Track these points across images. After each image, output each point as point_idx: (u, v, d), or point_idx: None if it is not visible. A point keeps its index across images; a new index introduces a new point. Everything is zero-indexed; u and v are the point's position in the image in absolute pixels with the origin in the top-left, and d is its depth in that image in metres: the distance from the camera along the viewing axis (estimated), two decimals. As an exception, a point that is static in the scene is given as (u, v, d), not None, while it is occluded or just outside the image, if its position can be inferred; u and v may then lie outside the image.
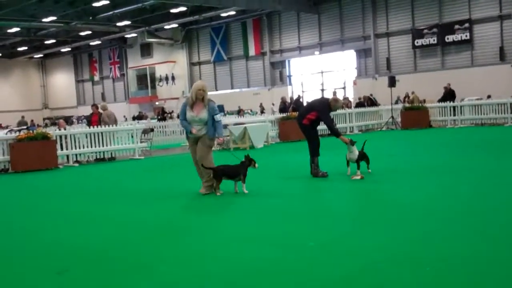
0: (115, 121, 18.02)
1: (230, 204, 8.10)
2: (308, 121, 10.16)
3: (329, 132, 10.69)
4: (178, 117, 34.59)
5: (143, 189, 10.17)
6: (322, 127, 10.89)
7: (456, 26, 33.14)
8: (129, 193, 9.75)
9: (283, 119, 20.96)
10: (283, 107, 26.08)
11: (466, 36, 32.87)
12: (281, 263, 4.92)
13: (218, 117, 8.63)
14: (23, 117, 40.24)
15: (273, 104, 35.67)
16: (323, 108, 10.14)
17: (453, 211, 6.67)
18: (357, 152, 9.76)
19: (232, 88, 45.17)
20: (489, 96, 27.05)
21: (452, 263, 4.62)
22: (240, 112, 34.15)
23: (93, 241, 6.20)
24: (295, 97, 30.42)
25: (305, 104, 21.91)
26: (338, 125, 21.93)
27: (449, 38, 33.53)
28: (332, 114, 10.40)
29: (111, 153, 17.20)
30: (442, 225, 5.97)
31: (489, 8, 32.14)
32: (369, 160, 10.12)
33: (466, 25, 32.77)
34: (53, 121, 39.75)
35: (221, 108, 33.60)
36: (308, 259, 4.99)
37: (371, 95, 31.60)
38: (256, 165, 8.74)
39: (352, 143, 9.75)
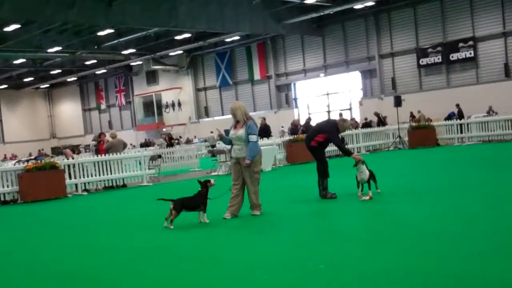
0: (123, 147, 18.04)
1: (237, 229, 8.03)
2: (316, 143, 10.16)
3: (338, 153, 10.62)
4: (186, 142, 34.70)
5: (152, 217, 10.04)
6: (330, 148, 10.83)
7: (460, 44, 33.24)
8: (141, 222, 9.68)
9: (291, 142, 20.90)
10: (294, 130, 26.00)
11: (471, 53, 32.93)
12: (293, 287, 4.84)
13: (252, 137, 8.52)
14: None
15: (282, 127, 35.74)
16: (332, 129, 10.14)
17: (463, 231, 6.59)
18: (367, 172, 9.67)
19: (238, 112, 45.16)
20: (492, 112, 27.01)
21: (463, 281, 4.53)
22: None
23: (104, 272, 6.14)
24: (302, 120, 30.37)
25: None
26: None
27: (454, 56, 33.61)
28: (340, 135, 10.36)
29: (123, 180, 17.24)
30: (452, 245, 5.89)
31: (492, 25, 32.23)
32: (376, 180, 10.04)
33: (470, 42, 32.85)
34: (60, 151, 39.94)
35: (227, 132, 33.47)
36: (320, 282, 4.91)
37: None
38: (213, 181, 8.56)
39: (362, 162, 9.69)
